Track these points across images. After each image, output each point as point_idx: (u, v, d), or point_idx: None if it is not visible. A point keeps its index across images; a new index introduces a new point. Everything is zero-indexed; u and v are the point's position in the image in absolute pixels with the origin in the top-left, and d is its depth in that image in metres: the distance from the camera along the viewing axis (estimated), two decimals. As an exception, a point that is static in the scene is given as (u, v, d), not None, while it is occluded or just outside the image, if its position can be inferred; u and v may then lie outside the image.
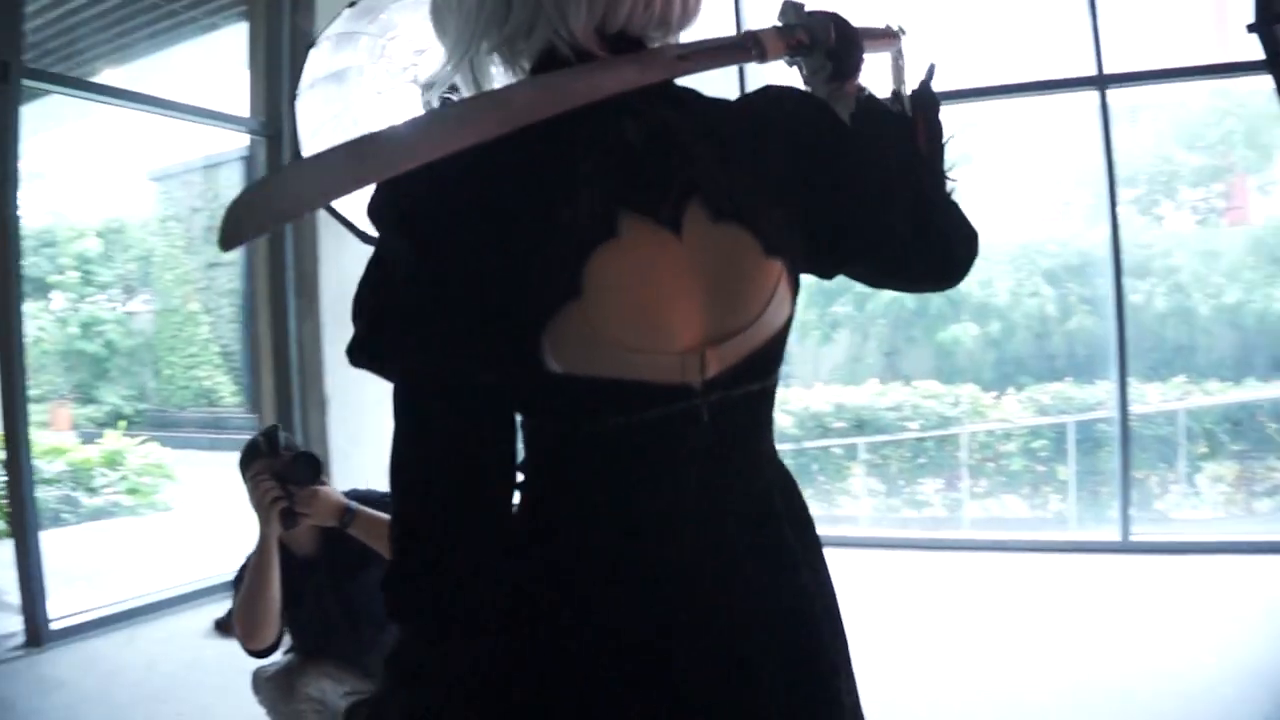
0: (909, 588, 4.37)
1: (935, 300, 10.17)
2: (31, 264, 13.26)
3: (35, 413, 14.00)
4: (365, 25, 2.68)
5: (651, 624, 0.82)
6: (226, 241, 0.68)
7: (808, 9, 0.98)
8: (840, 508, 7.97)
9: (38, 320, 15.87)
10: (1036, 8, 7.91)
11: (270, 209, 0.72)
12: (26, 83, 4.02)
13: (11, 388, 3.85)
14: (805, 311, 12.84)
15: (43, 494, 7.94)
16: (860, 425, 7.94)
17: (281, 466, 2.04)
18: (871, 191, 0.94)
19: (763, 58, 0.93)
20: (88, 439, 11.33)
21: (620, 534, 0.84)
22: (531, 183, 0.80)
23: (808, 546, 0.93)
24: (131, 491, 8.56)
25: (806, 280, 0.92)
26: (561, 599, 0.83)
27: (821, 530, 0.95)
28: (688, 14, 0.88)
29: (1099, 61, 4.53)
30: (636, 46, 0.86)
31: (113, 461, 8.62)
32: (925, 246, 0.97)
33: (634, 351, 0.80)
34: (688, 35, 0.91)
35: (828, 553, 0.94)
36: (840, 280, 0.99)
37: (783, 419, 8.01)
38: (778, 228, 0.87)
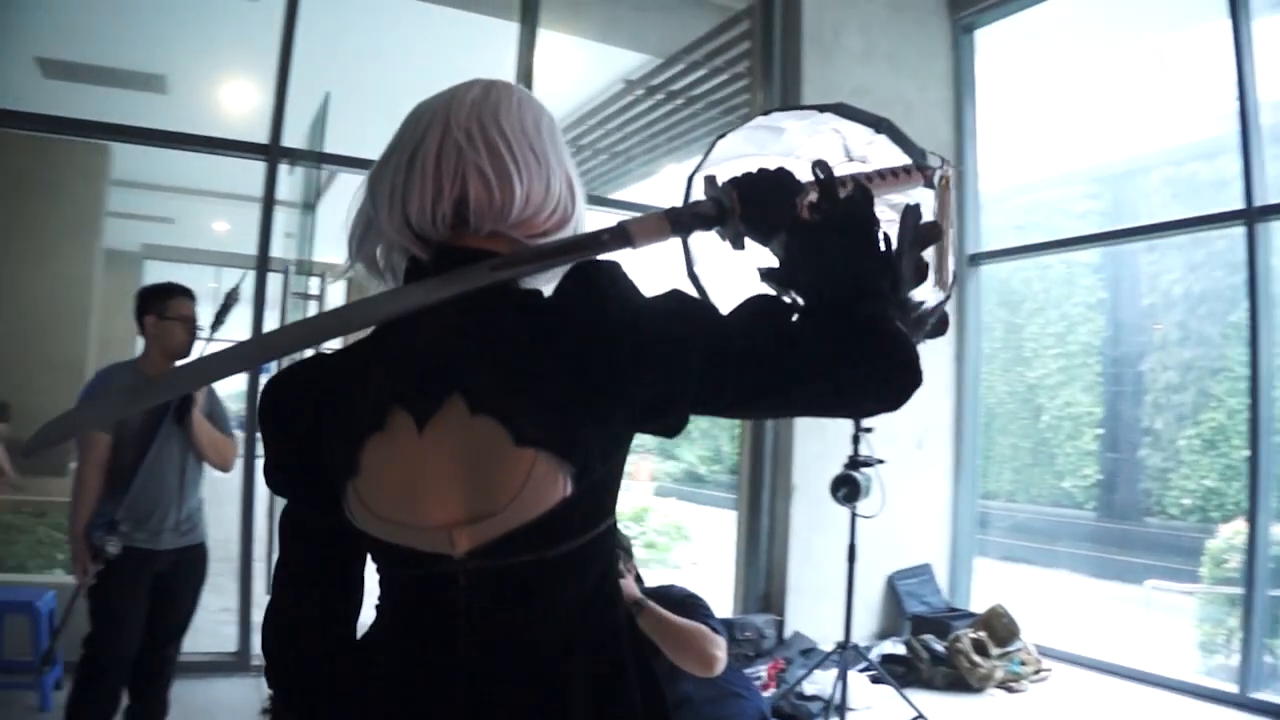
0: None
1: None
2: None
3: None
4: (770, 143, 2.81)
5: None
6: (29, 449, 0.98)
7: (722, 180, 1.05)
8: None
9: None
10: None
11: (63, 428, 1.00)
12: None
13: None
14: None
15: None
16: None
17: None
18: (714, 345, 0.94)
19: (631, 245, 1.02)
20: (663, 494, 12.63)
21: (401, 666, 1.02)
22: (343, 382, 1.02)
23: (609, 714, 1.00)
24: (649, 546, 9.45)
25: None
26: (353, 698, 1.05)
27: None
28: (497, 205, 1.00)
29: None
30: (469, 251, 1.01)
31: (639, 517, 9.68)
32: (810, 379, 0.95)
33: (395, 523, 0.98)
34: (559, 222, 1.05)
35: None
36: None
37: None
38: (533, 419, 0.94)
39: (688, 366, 0.94)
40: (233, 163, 5.30)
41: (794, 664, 4.64)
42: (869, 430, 3.86)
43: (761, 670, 4.63)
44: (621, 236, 1.02)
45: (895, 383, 0.96)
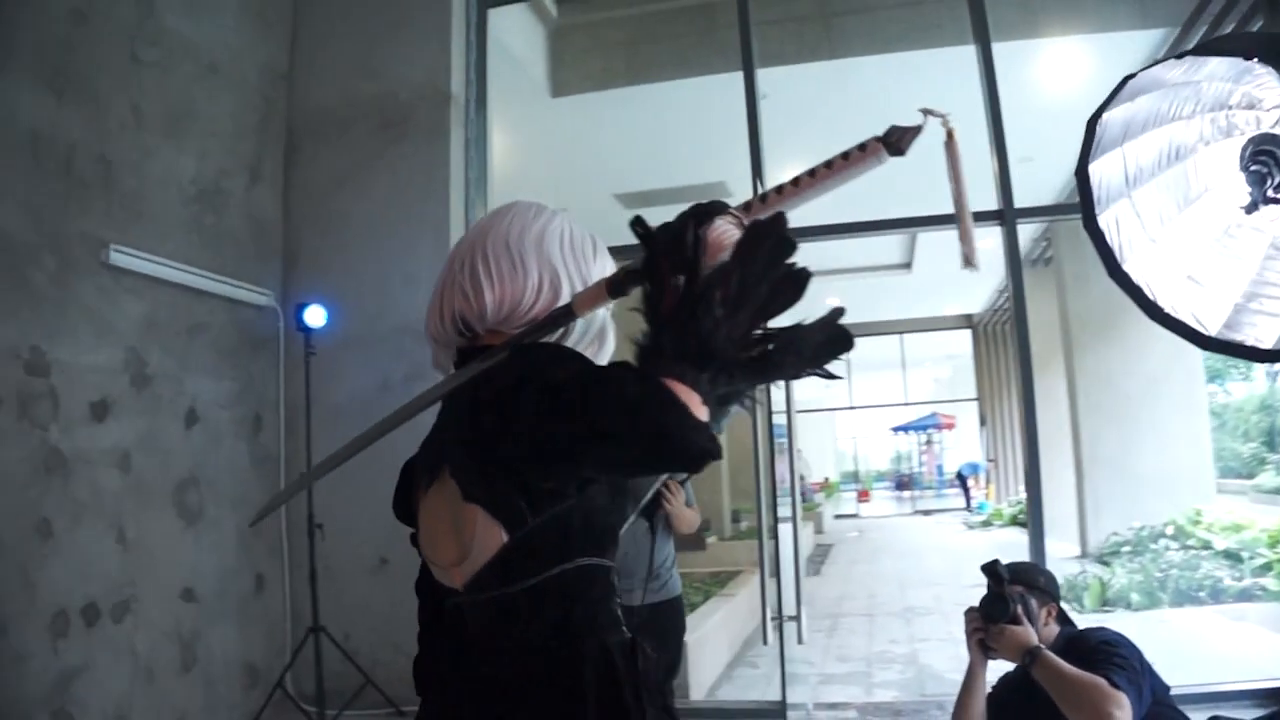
0: None
1: None
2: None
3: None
4: (1187, 100, 2.21)
5: None
6: (252, 523, 1.38)
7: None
8: None
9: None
10: None
11: (274, 504, 1.36)
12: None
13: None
14: None
15: (1204, 570, 7.99)
16: None
17: (985, 604, 2.28)
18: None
19: (575, 316, 1.17)
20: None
21: (440, 673, 1.26)
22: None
23: None
24: (1281, 576, 7.95)
25: None
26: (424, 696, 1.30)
27: None
28: (476, 312, 1.24)
29: None
30: (473, 350, 1.26)
31: (1275, 541, 8.11)
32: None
33: (433, 564, 1.25)
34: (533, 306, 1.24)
35: None
36: None
37: None
38: (472, 479, 1.14)
39: (523, 444, 1.05)
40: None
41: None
42: None
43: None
44: (566, 312, 1.18)
45: (654, 459, 1.02)
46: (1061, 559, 9.76)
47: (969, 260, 1.14)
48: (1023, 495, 15.66)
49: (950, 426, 26.75)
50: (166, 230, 4.46)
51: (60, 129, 3.83)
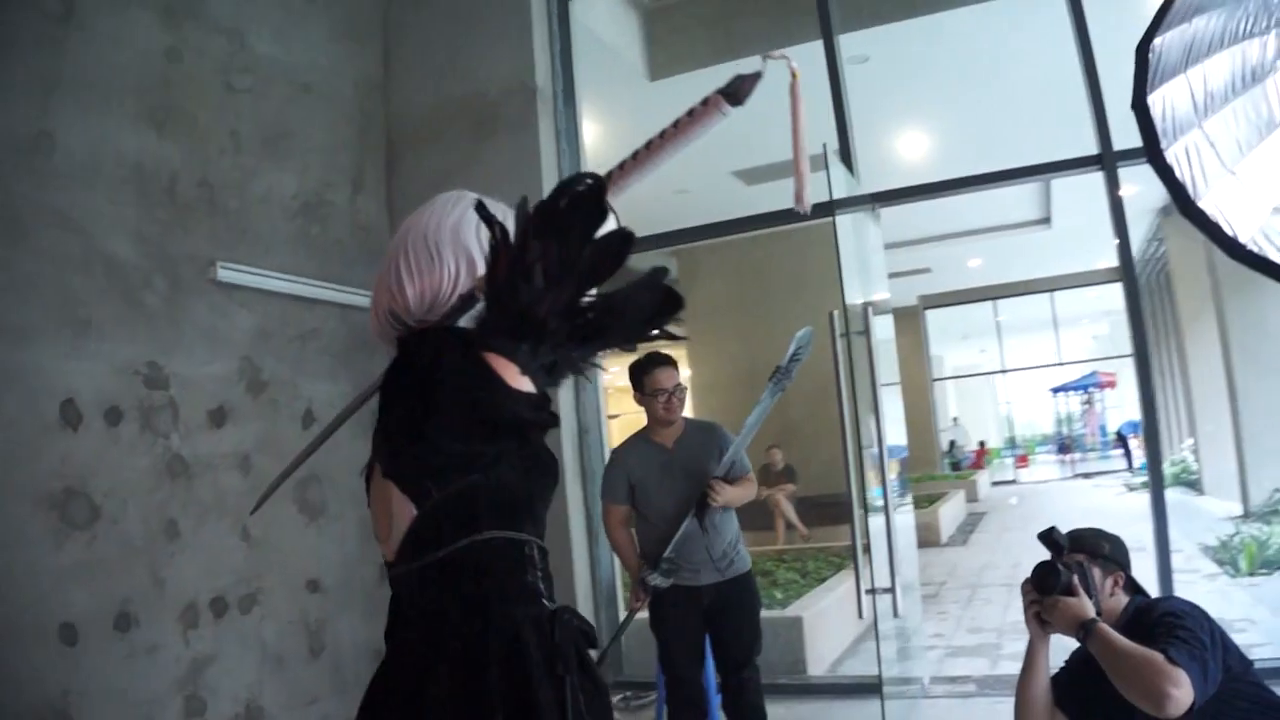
0: None
1: None
2: None
3: None
4: (1269, 6, 2.01)
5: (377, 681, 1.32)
6: (253, 510, 1.53)
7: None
8: None
9: None
10: None
11: (270, 490, 1.60)
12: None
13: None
14: None
15: None
16: None
17: (1036, 574, 2.18)
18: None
19: (476, 301, 1.23)
20: None
21: (390, 636, 1.33)
22: None
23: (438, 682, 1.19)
24: None
25: None
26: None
27: None
28: (402, 306, 1.29)
29: None
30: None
31: None
32: None
33: (376, 539, 1.34)
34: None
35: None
36: None
37: None
38: (388, 455, 1.25)
39: (399, 423, 1.21)
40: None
41: None
42: None
43: None
44: (470, 296, 1.25)
45: (474, 431, 1.18)
46: (1221, 519, 9.18)
47: (799, 200, 1.21)
48: (1183, 453, 14.84)
49: (1112, 385, 25.49)
50: (272, 245, 4.73)
51: (163, 159, 4.12)
